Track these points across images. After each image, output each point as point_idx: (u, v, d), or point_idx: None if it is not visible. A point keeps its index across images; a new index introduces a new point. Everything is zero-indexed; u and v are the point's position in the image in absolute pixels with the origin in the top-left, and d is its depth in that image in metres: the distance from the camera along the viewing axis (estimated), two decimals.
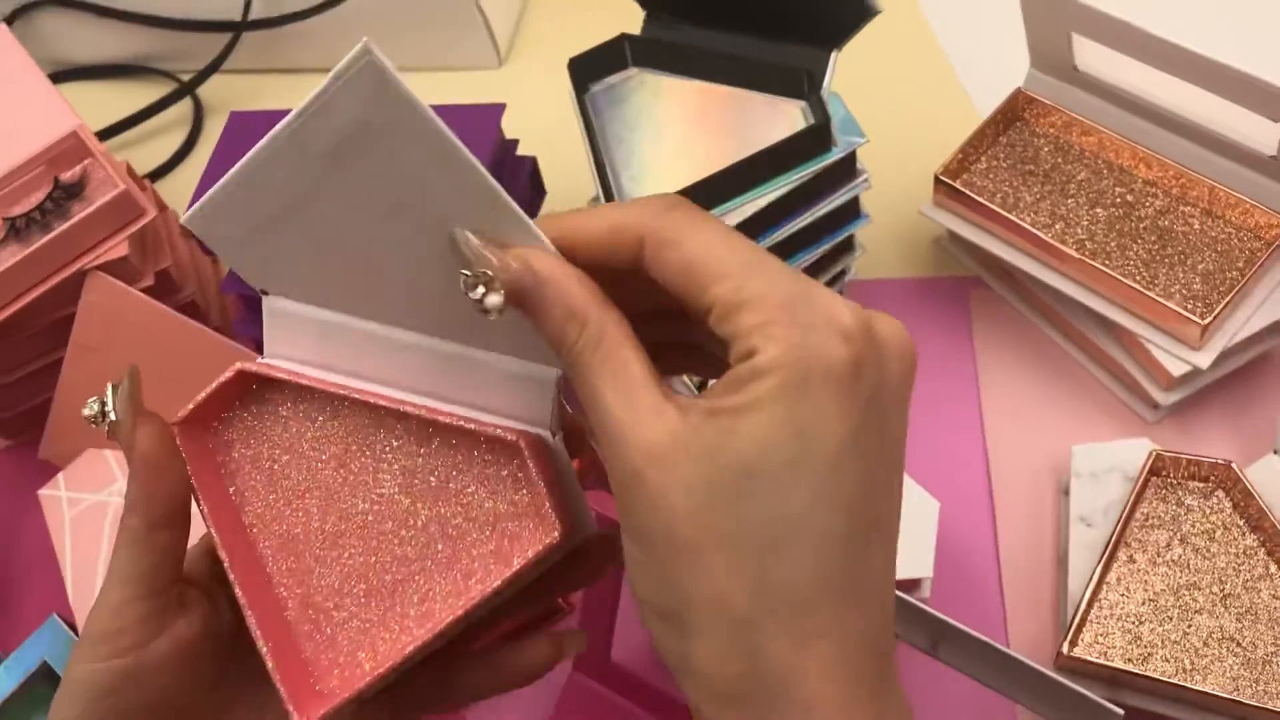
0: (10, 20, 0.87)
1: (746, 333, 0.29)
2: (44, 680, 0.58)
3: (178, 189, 0.81)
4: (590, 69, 0.58)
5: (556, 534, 0.34)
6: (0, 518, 0.69)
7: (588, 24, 0.85)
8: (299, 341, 0.37)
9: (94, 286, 0.63)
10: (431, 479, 0.37)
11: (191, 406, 0.38)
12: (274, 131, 0.33)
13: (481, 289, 0.31)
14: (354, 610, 0.37)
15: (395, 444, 0.37)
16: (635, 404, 0.30)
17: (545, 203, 0.68)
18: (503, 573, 0.35)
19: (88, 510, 0.62)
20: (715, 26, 0.57)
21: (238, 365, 0.37)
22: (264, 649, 0.36)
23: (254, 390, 0.38)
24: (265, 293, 0.37)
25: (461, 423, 0.35)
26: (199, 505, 0.38)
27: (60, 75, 0.89)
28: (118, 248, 0.63)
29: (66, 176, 0.66)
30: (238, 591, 0.37)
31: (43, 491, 0.63)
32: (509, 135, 0.64)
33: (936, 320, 0.66)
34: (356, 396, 0.36)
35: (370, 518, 0.37)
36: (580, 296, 0.32)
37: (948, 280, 0.67)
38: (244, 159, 0.34)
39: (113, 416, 0.37)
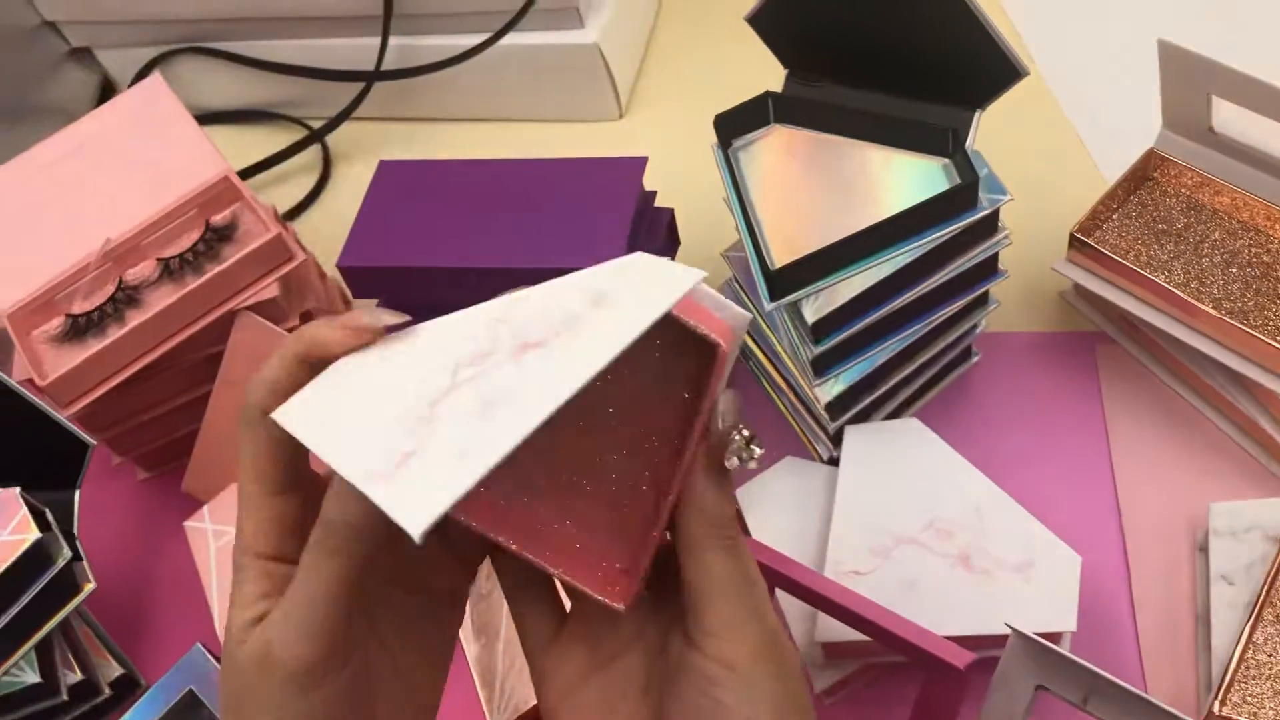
0: (150, 66, 0.91)
1: (727, 644, 0.37)
2: (189, 709, 0.60)
3: (305, 232, 0.83)
4: (734, 124, 0.59)
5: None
6: (143, 547, 0.71)
7: (702, 77, 0.88)
8: None
9: (243, 325, 0.66)
10: None
11: None
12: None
13: (757, 448, 0.36)
14: (569, 498, 0.39)
15: None
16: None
17: (679, 253, 0.70)
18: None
19: (232, 542, 0.64)
20: (856, 84, 0.59)
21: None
22: (557, 572, 0.38)
23: None
24: None
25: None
26: None
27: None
28: (268, 289, 0.66)
29: (217, 219, 0.68)
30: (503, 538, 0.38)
31: (189, 523, 0.65)
32: None
33: (1063, 374, 0.66)
34: None
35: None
36: None
37: (1073, 335, 0.68)
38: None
39: None
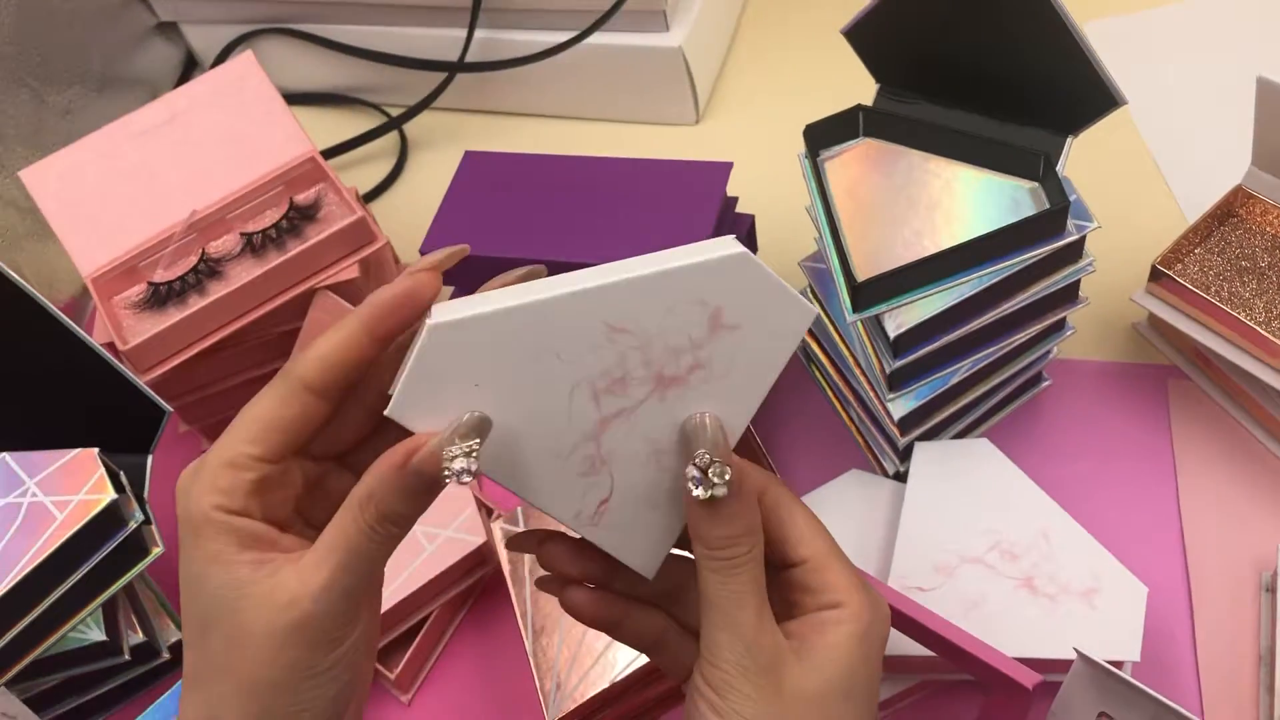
0: (235, 44, 0.92)
1: (833, 588, 0.40)
2: None
3: (380, 216, 0.84)
4: (824, 135, 0.60)
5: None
6: None
7: (780, 84, 0.89)
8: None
9: (320, 304, 0.67)
10: None
11: None
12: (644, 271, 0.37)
13: (715, 479, 0.37)
14: None
15: None
16: (763, 620, 0.38)
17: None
18: None
19: None
20: (947, 102, 0.59)
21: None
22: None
23: None
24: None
25: None
26: None
27: None
28: (349, 270, 0.67)
29: (301, 198, 0.70)
30: None
31: None
32: None
33: (1133, 405, 0.66)
34: None
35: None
36: (759, 516, 0.39)
37: (1145, 367, 0.68)
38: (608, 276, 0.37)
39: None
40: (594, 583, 0.43)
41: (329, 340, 0.38)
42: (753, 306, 0.38)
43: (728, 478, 0.37)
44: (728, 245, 0.38)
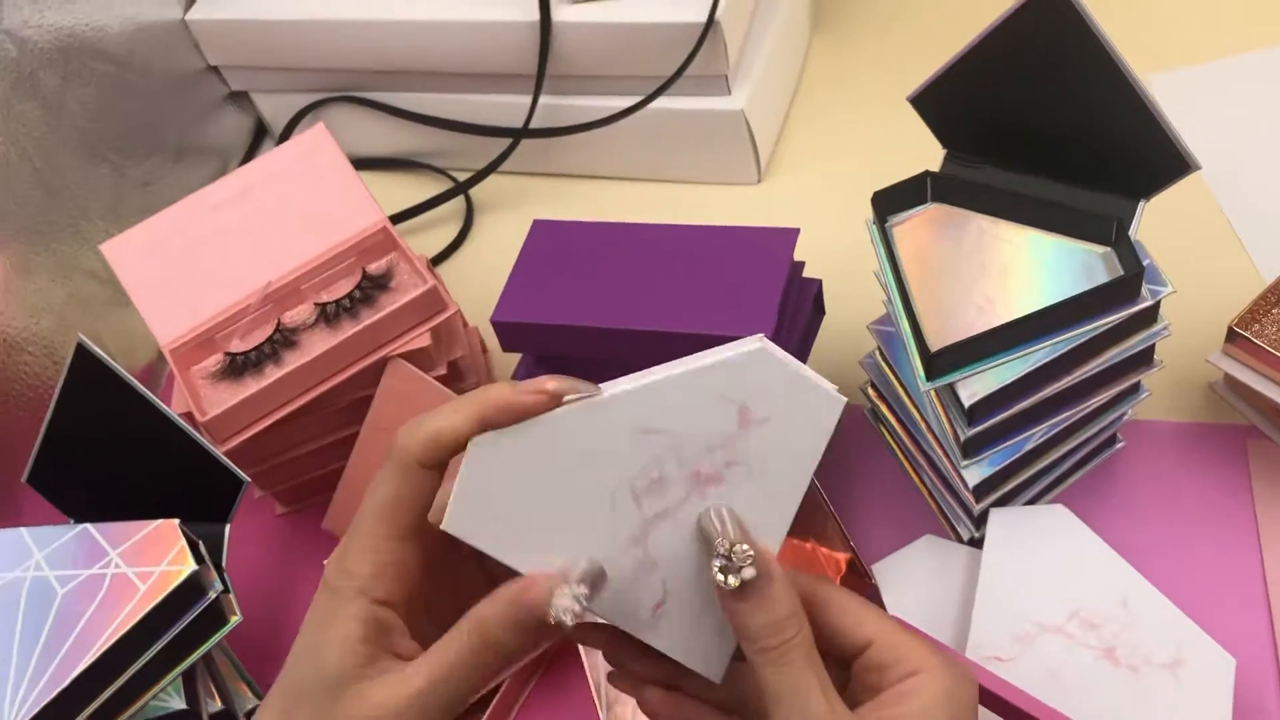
0: (304, 112, 0.95)
1: (908, 659, 0.40)
2: None
3: (447, 280, 0.86)
4: (892, 202, 0.60)
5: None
6: (279, 582, 0.73)
7: (840, 145, 0.89)
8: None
9: (394, 372, 0.68)
10: None
11: None
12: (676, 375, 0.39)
13: (741, 566, 0.38)
14: None
15: None
16: (832, 702, 0.38)
17: (824, 323, 0.70)
18: None
19: None
20: (1016, 167, 0.59)
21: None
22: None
23: None
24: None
25: None
26: None
27: None
28: (420, 338, 0.68)
29: (373, 268, 0.71)
30: None
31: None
32: None
33: (1211, 466, 0.65)
34: None
35: None
36: (797, 599, 0.39)
37: (1222, 427, 0.67)
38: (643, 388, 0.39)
39: None
40: (662, 685, 0.43)
41: (441, 421, 0.40)
42: (778, 400, 0.40)
43: (751, 555, 0.38)
44: (749, 343, 0.40)
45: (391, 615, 0.40)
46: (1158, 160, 0.55)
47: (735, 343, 0.40)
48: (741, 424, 0.39)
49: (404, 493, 0.40)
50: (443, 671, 0.38)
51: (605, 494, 0.39)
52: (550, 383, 0.40)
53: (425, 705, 0.38)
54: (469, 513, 0.39)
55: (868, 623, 0.41)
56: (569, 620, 0.37)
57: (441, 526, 0.39)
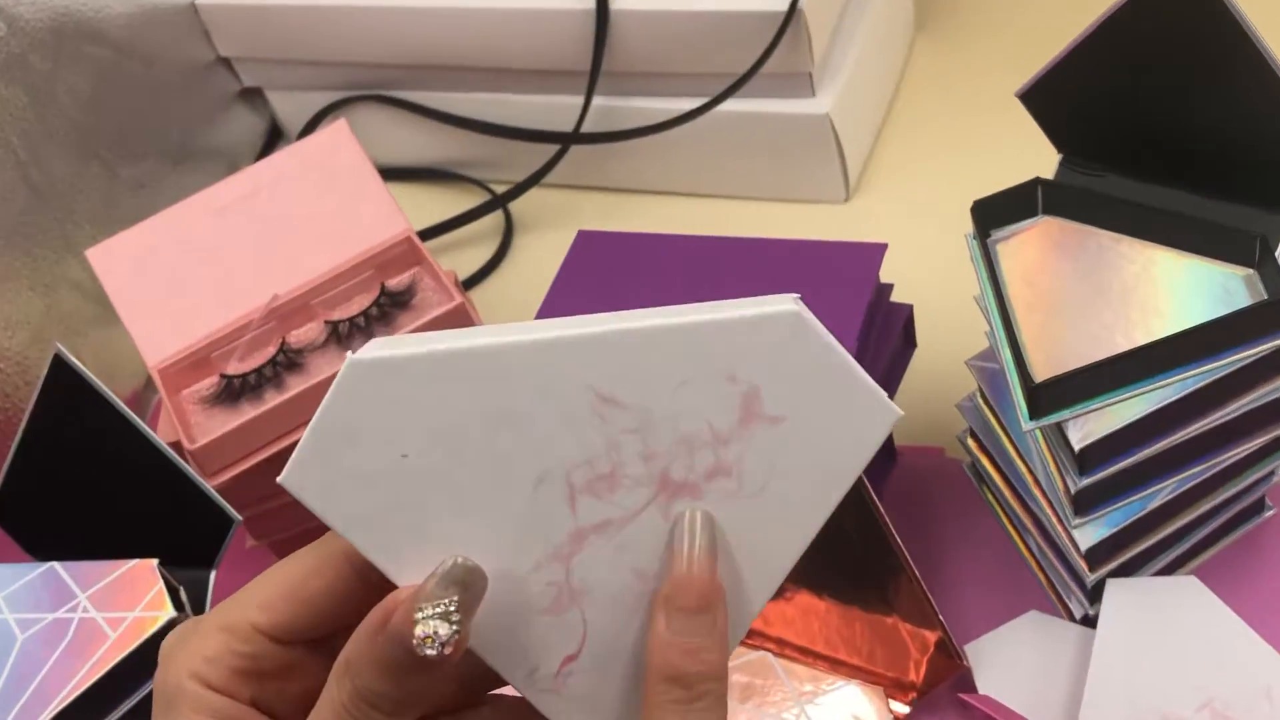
0: (324, 113, 0.98)
1: None
2: None
3: (480, 305, 0.88)
4: (996, 213, 0.61)
5: None
6: None
7: (947, 158, 0.90)
8: None
9: None
10: None
11: None
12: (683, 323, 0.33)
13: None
14: None
15: None
16: None
17: (915, 358, 0.71)
18: None
19: None
20: (1143, 176, 0.60)
21: None
22: None
23: None
24: None
25: None
26: None
27: None
28: None
29: (393, 284, 0.73)
30: None
31: None
32: None
33: None
34: None
35: None
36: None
37: None
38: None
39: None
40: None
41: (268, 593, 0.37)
42: (805, 393, 0.33)
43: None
44: (780, 302, 0.33)
45: (241, 710, 0.36)
46: None
47: (761, 299, 0.34)
48: (745, 418, 0.32)
49: (309, 583, 0.36)
50: None
51: (526, 479, 0.32)
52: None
53: None
54: (321, 465, 0.33)
55: None
56: (434, 653, 0.31)
57: (279, 480, 0.33)
